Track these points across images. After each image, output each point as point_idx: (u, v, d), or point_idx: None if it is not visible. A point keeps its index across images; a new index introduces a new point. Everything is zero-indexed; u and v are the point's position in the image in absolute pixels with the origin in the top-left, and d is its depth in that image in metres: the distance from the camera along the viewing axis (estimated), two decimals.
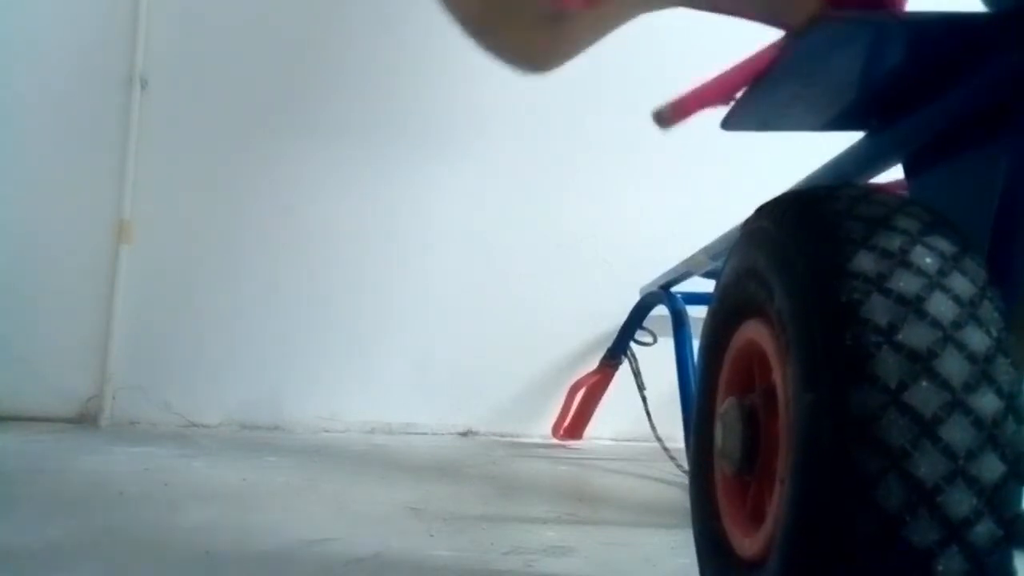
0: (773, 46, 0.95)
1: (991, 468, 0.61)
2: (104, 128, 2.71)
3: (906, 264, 0.66)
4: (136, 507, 1.53)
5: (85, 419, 2.63)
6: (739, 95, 0.99)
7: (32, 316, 2.65)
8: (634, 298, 2.50)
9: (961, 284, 0.66)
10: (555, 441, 2.72)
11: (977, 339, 0.63)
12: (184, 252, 2.75)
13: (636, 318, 2.51)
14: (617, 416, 2.69)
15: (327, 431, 2.71)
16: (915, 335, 0.63)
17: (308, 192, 2.78)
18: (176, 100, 2.75)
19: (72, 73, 2.72)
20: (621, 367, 2.58)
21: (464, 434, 2.79)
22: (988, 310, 0.65)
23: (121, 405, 2.65)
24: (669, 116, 1.01)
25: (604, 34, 1.16)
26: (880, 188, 0.88)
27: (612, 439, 2.77)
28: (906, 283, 0.65)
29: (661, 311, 2.31)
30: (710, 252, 1.74)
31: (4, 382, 2.57)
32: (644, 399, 2.41)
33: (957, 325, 0.64)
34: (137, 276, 2.70)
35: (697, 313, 1.53)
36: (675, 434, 2.22)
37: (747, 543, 0.82)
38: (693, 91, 1.01)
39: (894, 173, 1.05)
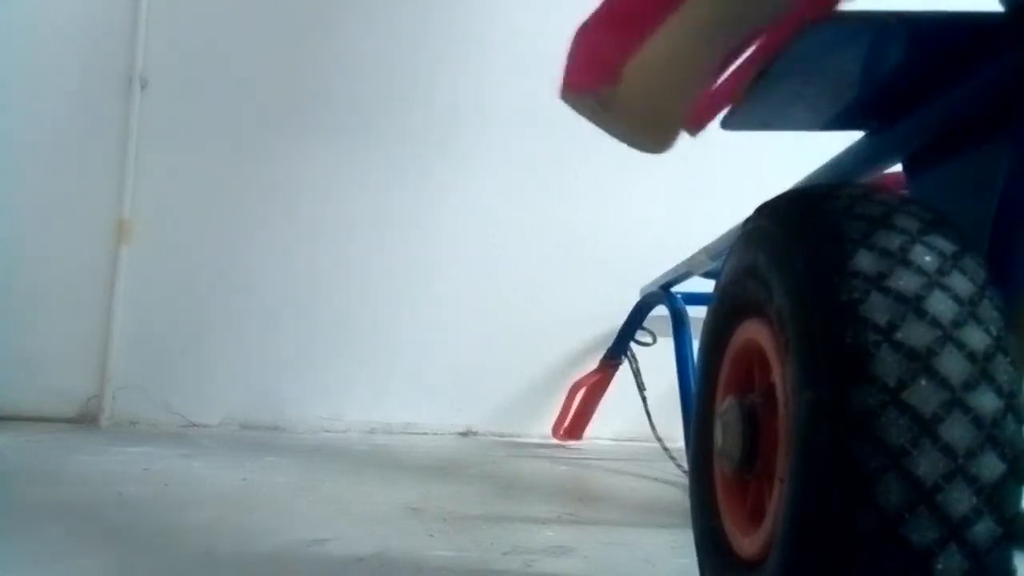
0: (764, 43, 0.94)
1: (990, 467, 0.61)
2: (104, 128, 2.71)
3: (906, 263, 0.66)
4: (136, 507, 1.53)
5: (85, 419, 2.63)
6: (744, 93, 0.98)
7: (32, 316, 2.66)
8: (634, 298, 2.50)
9: (960, 283, 0.66)
10: (555, 441, 2.72)
11: (976, 338, 0.63)
12: (184, 252, 2.75)
13: (636, 318, 2.51)
14: (617, 416, 2.70)
15: (327, 431, 2.71)
16: (914, 334, 0.63)
17: (307, 192, 2.78)
18: (176, 100, 2.76)
19: (72, 73, 2.72)
20: (621, 367, 2.58)
21: (464, 434, 2.79)
22: (987, 309, 0.65)
23: (121, 405, 2.66)
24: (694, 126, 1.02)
25: None
26: (879, 186, 0.88)
27: (612, 439, 2.77)
28: (906, 282, 0.65)
29: (661, 311, 2.31)
30: (710, 252, 1.74)
31: (4, 382, 2.57)
32: (644, 399, 2.41)
33: (956, 324, 0.63)
34: (137, 276, 2.70)
35: (697, 313, 1.52)
36: (675, 434, 2.22)
37: (747, 542, 0.81)
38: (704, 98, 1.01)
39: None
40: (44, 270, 2.67)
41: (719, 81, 0.99)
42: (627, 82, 0.95)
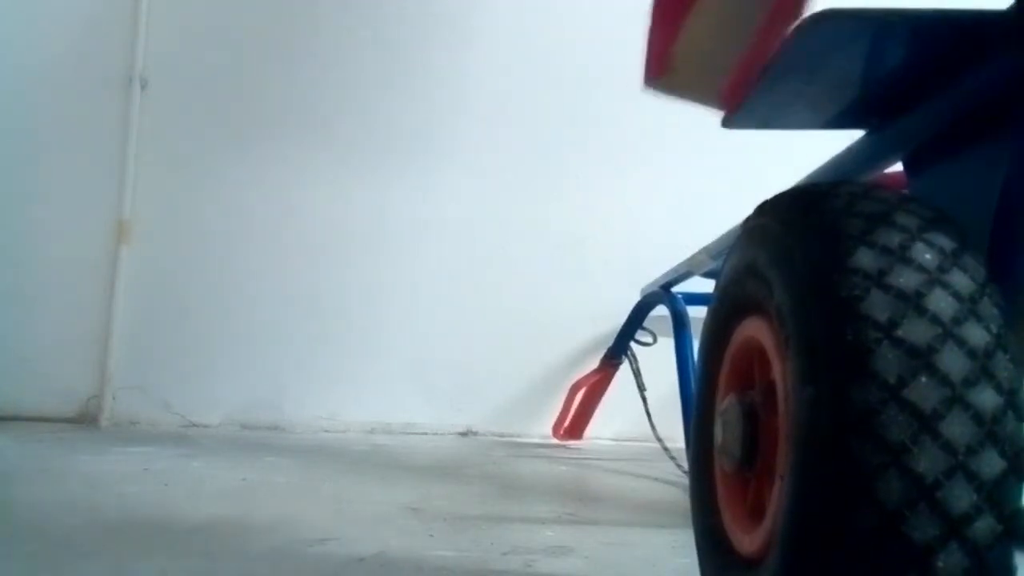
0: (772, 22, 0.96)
1: (991, 464, 0.61)
2: (104, 128, 2.71)
3: (906, 260, 0.66)
4: (136, 507, 1.53)
5: (85, 419, 2.63)
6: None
7: (32, 316, 2.65)
8: (634, 298, 2.50)
9: (961, 280, 0.66)
10: (555, 441, 2.72)
11: (977, 335, 0.63)
12: (184, 252, 2.75)
13: (636, 318, 2.51)
14: (617, 416, 2.69)
15: (327, 431, 2.71)
16: (915, 331, 0.63)
17: (307, 192, 2.78)
18: (176, 100, 2.76)
19: (72, 73, 2.72)
20: (621, 367, 2.58)
21: (464, 434, 2.79)
22: (988, 306, 0.65)
23: (121, 405, 2.66)
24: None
25: None
26: (880, 185, 0.88)
27: (612, 439, 2.77)
28: (906, 279, 0.65)
29: (661, 311, 2.31)
30: (710, 252, 1.74)
31: (4, 382, 2.57)
32: (644, 399, 2.42)
33: (957, 321, 0.63)
34: (137, 276, 2.70)
35: (697, 313, 1.52)
36: (675, 434, 2.22)
37: (747, 540, 0.81)
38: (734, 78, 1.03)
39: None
40: (44, 270, 2.67)
41: (751, 55, 1.02)
42: (679, 64, 1.06)
